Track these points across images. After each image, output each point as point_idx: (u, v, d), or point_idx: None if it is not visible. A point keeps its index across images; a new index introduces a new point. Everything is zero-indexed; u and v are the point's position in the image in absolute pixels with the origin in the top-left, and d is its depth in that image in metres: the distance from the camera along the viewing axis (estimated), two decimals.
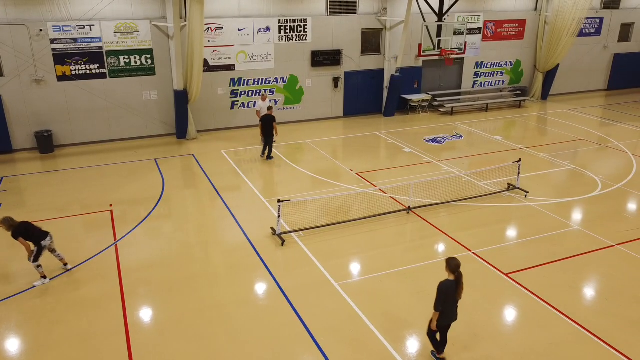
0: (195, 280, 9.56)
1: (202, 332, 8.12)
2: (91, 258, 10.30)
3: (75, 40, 16.52)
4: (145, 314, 8.57)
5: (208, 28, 17.97)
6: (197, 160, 16.16)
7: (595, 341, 7.87)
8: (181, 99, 17.55)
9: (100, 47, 16.89)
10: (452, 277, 6.89)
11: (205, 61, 18.13)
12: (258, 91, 19.61)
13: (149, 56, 17.60)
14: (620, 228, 11.53)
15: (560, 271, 9.82)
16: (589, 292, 9.26)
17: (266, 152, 16.18)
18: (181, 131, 18.23)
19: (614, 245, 10.77)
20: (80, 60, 16.79)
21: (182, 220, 12.15)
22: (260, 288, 9.35)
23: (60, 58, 16.52)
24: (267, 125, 15.69)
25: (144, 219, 12.03)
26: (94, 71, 17.04)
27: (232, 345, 7.80)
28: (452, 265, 6.87)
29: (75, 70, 16.79)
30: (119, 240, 11.04)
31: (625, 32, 26.39)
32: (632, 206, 12.86)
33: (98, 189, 13.83)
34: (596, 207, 12.74)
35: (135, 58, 17.44)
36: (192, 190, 14.11)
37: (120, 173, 15.05)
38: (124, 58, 17.29)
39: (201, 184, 14.33)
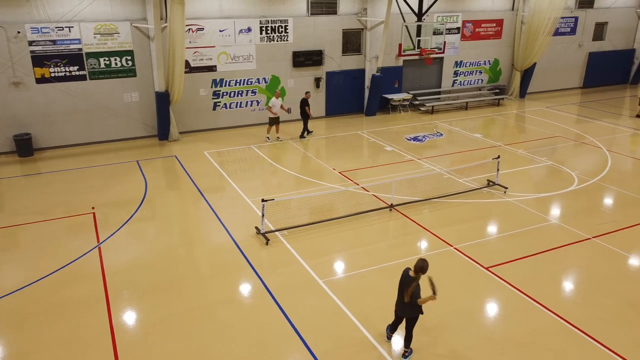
0: (180, 281, 9.58)
1: (188, 332, 8.15)
2: (74, 261, 10.23)
3: (54, 42, 16.34)
4: (131, 316, 8.57)
5: (189, 29, 17.93)
6: (179, 162, 16.13)
7: (574, 331, 8.11)
8: (163, 100, 17.48)
9: (80, 49, 16.74)
10: (412, 274, 7.09)
11: (187, 62, 18.09)
12: (240, 92, 19.63)
13: (129, 58, 17.49)
14: (596, 221, 11.86)
15: (539, 264, 10.07)
16: (567, 284, 9.52)
17: (305, 132, 18.66)
18: (163, 133, 18.15)
19: (590, 238, 11.07)
20: (60, 62, 16.61)
21: (166, 221, 12.14)
22: (246, 287, 9.41)
23: (39, 60, 16.32)
24: (302, 108, 18.27)
25: (127, 221, 11.99)
26: (73, 73, 16.88)
27: (218, 345, 7.85)
28: (417, 264, 7.03)
29: (54, 72, 16.61)
30: (102, 242, 10.99)
31: (599, 31, 27.02)
32: (607, 200, 13.23)
33: (80, 192, 13.72)
34: (573, 201, 13.07)
35: (115, 60, 17.31)
36: (175, 191, 14.09)
37: (102, 175, 14.94)
38: (104, 60, 17.16)
39: (184, 185, 14.32)
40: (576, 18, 25.88)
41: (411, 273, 7.16)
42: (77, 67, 16.88)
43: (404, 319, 7.51)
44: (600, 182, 14.32)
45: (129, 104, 17.99)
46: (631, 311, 8.63)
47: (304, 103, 18.33)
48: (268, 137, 18.24)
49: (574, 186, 14.03)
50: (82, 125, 17.53)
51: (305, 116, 18.45)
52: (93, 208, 12.67)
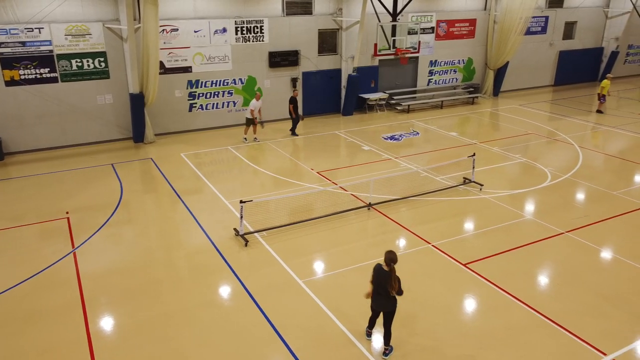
0: (158, 285, 9.47)
1: (167, 337, 8.06)
2: (48, 267, 10.02)
3: (23, 43, 15.96)
4: (108, 322, 8.43)
5: (163, 30, 17.72)
6: (155, 164, 15.93)
7: (550, 324, 8.29)
8: (137, 102, 17.24)
9: (51, 51, 16.38)
10: (385, 268, 7.24)
11: (161, 63, 17.88)
12: (216, 93, 19.49)
13: (102, 59, 17.20)
14: (569, 216, 12.14)
15: (515, 259, 10.26)
16: (542, 278, 9.72)
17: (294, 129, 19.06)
18: (138, 135, 17.91)
19: (563, 233, 11.33)
20: (30, 65, 16.23)
21: (143, 225, 11.98)
22: (225, 290, 9.35)
23: (7, 62, 15.92)
24: (296, 106, 18.65)
25: (103, 225, 11.79)
26: (44, 75, 16.51)
27: (199, 349, 7.79)
28: (386, 257, 7.22)
29: (24, 74, 16.22)
30: (77, 247, 10.78)
31: (568, 30, 27.65)
32: (579, 195, 13.55)
33: (53, 197, 13.44)
34: (547, 197, 13.35)
35: (88, 61, 17.00)
36: (151, 194, 13.91)
37: (76, 179, 14.66)
38: (76, 61, 16.84)
39: (161, 187, 14.15)
40: (547, 17, 26.43)
41: (385, 268, 7.25)
42: (48, 69, 16.53)
43: (381, 314, 7.59)
44: (573, 177, 14.66)
45: (102, 106, 17.69)
46: (603, 303, 8.86)
47: (292, 101, 18.54)
48: (245, 138, 18.17)
49: (548, 182, 14.33)
50: (54, 129, 17.17)
51: (296, 113, 18.73)
52: (67, 213, 12.43)
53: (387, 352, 7.61)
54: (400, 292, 7.32)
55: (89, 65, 17.06)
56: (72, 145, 17.59)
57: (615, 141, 18.35)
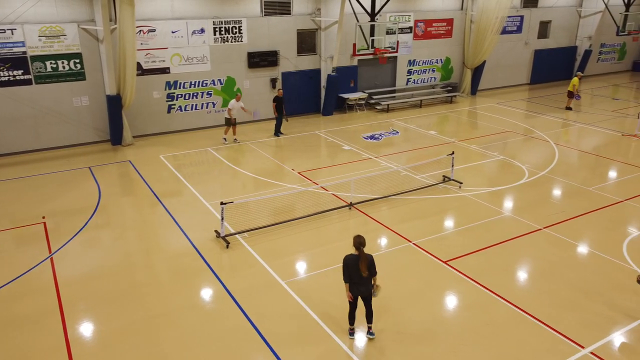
0: (139, 289, 9.35)
1: (149, 341, 7.97)
2: (24, 273, 9.82)
3: None
4: (87, 328, 8.30)
5: (140, 30, 17.50)
6: (134, 167, 15.73)
7: (529, 319, 8.43)
8: (114, 104, 17.00)
9: (24, 52, 16.05)
10: (356, 253, 7.44)
11: (139, 64, 17.66)
12: (195, 94, 19.34)
13: (77, 61, 16.91)
14: (546, 212, 12.36)
15: (494, 256, 10.41)
16: (521, 273, 9.88)
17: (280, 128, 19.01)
18: (116, 137, 17.66)
19: (541, 229, 11.53)
20: (2, 67, 15.87)
21: (122, 228, 11.82)
22: (207, 292, 9.28)
23: None
24: (280, 105, 18.49)
25: (81, 230, 11.60)
26: (17, 77, 16.16)
27: (181, 353, 7.72)
28: (355, 241, 7.44)
29: None
30: (54, 253, 10.59)
31: (543, 29, 28.15)
32: (556, 192, 13.80)
33: (28, 201, 13.17)
34: (524, 194, 13.57)
35: (63, 63, 16.70)
36: (130, 197, 13.74)
37: (52, 183, 14.39)
38: (51, 63, 16.52)
39: (140, 190, 13.97)
40: (522, 17, 26.86)
41: (355, 253, 7.46)
42: (22, 71, 16.18)
43: (360, 301, 7.76)
44: (549, 174, 14.93)
45: (78, 108, 17.40)
46: (580, 296, 9.04)
47: (275, 100, 18.47)
48: (225, 139, 18.07)
49: (525, 179, 14.57)
50: (29, 132, 16.82)
51: (279, 113, 18.62)
52: (43, 217, 12.19)
53: (371, 330, 7.91)
54: (374, 272, 7.52)
55: (64, 67, 16.76)
56: (47, 148, 17.26)
57: (590, 138, 18.75)
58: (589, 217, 12.15)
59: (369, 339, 7.88)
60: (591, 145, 17.86)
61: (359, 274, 7.41)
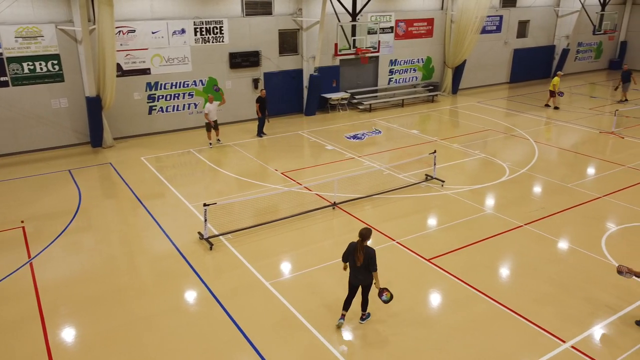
0: (121, 293, 9.25)
1: (132, 345, 7.89)
2: (3, 279, 9.63)
3: None
4: (69, 334, 8.18)
5: (119, 31, 17.30)
6: (115, 169, 15.54)
7: (511, 315, 8.55)
8: (94, 105, 16.77)
9: (0, 54, 15.75)
10: (358, 242, 7.79)
11: (119, 65, 17.45)
12: (177, 95, 19.18)
13: (55, 62, 16.64)
14: (527, 209, 12.54)
15: (477, 253, 10.53)
16: (503, 270, 10.01)
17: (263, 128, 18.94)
18: (96, 139, 17.42)
19: (522, 226, 11.69)
20: None
21: (104, 231, 11.67)
22: (191, 295, 9.22)
23: None
24: (263, 106, 18.33)
25: (61, 234, 11.43)
26: None
27: (165, 356, 7.65)
28: (359, 232, 7.81)
29: None
30: (33, 257, 10.41)
31: (522, 28, 28.54)
32: (536, 189, 14.01)
33: (6, 206, 12.92)
34: (505, 191, 13.75)
35: (40, 64, 16.42)
36: (112, 200, 13.57)
37: (31, 187, 14.14)
38: (28, 65, 16.23)
39: (121, 193, 13.82)
40: (501, 17, 27.19)
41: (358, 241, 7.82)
42: None
43: (359, 289, 8.07)
44: (529, 171, 15.15)
45: (57, 110, 17.13)
46: (560, 291, 9.20)
47: (258, 100, 18.30)
48: (210, 143, 17.69)
49: (506, 177, 14.76)
50: (6, 135, 16.50)
51: (262, 113, 18.47)
52: (22, 222, 11.98)
53: (363, 317, 8.28)
54: (372, 267, 7.76)
55: (41, 69, 16.48)
56: (25, 151, 16.95)
57: (568, 136, 19.07)
58: (568, 214, 12.36)
59: (360, 323, 8.28)
60: (570, 142, 18.16)
61: (355, 261, 7.79)
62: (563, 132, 19.52)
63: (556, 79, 22.58)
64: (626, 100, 23.89)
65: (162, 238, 11.24)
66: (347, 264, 8.04)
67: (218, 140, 17.99)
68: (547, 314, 8.56)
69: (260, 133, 18.92)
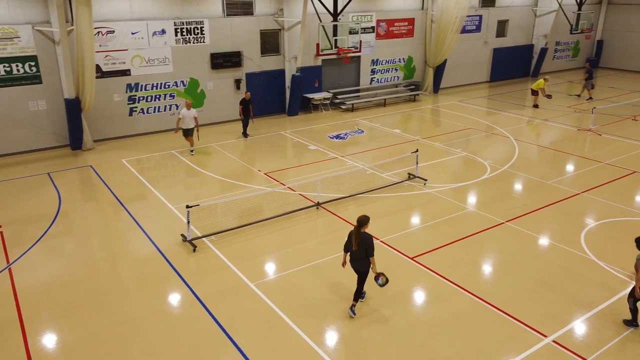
0: (104, 297, 9.13)
1: (115, 350, 7.79)
2: None
3: None
4: (50, 339, 8.05)
5: (98, 32, 17.07)
6: (96, 172, 15.33)
7: (494, 311, 8.66)
8: (73, 107, 16.52)
9: None
10: (356, 229, 8.12)
11: (98, 67, 17.21)
12: (157, 96, 18.99)
13: (33, 63, 16.35)
14: (508, 206, 12.70)
15: (459, 250, 10.63)
16: (485, 267, 10.13)
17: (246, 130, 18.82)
18: (76, 142, 17.17)
19: (503, 223, 11.85)
20: None
21: (85, 235, 11.51)
22: (175, 298, 9.15)
23: None
24: (247, 108, 18.23)
25: (40, 238, 11.24)
26: None
27: None
28: (357, 219, 8.13)
29: None
30: (12, 263, 10.22)
31: (501, 28, 28.90)
32: (517, 186, 14.20)
33: None
34: (487, 189, 13.91)
35: (17, 66, 16.12)
36: (92, 203, 13.39)
37: (9, 191, 13.88)
38: (4, 66, 15.92)
39: (102, 196, 13.64)
40: (480, 16, 27.50)
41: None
42: None
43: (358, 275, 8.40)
44: (510, 169, 15.35)
45: (35, 112, 16.83)
46: (541, 287, 9.34)
47: (241, 103, 18.17)
48: (192, 150, 16.97)
49: (487, 174, 14.93)
50: None
51: (245, 115, 18.34)
52: (0, 226, 11.75)
53: (353, 306, 8.45)
54: (369, 252, 8.07)
55: (18, 70, 16.18)
56: (3, 155, 16.62)
57: (548, 133, 19.37)
58: (548, 210, 12.56)
59: (350, 315, 8.45)
60: (549, 140, 18.45)
61: (352, 247, 8.15)
62: (542, 130, 19.82)
63: (542, 82, 22.80)
64: (591, 98, 24.49)
65: (144, 241, 11.13)
66: (347, 255, 8.39)
67: (191, 151, 16.95)
68: (528, 309, 8.69)
69: (245, 134, 18.80)
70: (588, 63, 25.75)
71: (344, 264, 8.58)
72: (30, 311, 8.70)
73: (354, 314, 8.42)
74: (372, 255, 8.11)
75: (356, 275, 8.44)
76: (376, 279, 8.25)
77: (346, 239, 8.39)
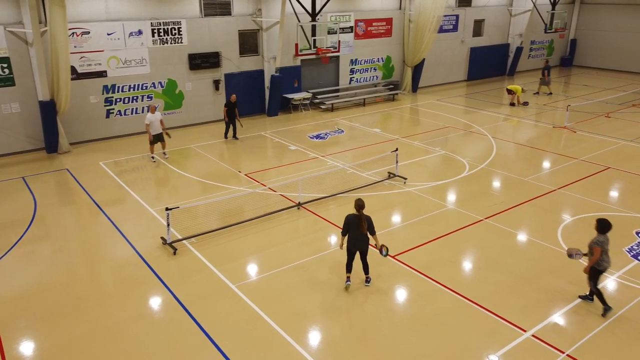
0: (83, 303, 8.98)
1: (95, 355, 7.67)
2: None
3: None
4: (27, 347, 7.89)
5: (73, 33, 16.78)
6: (72, 175, 15.07)
7: (474, 307, 8.77)
8: (48, 110, 16.21)
9: None
10: (357, 213, 8.83)
11: (73, 68, 16.92)
12: (135, 97, 18.75)
13: (5, 65, 15.99)
14: (486, 203, 12.88)
15: (440, 248, 10.74)
16: (465, 264, 10.26)
17: (229, 133, 18.57)
18: (51, 145, 16.84)
19: (482, 220, 12.01)
20: None
21: (62, 240, 11.30)
22: (155, 301, 9.05)
23: None
24: (232, 110, 18.07)
25: (15, 244, 11.00)
26: None
27: None
28: (355, 205, 8.90)
29: None
30: None
31: (477, 27, 29.27)
32: (495, 183, 14.41)
33: None
34: (466, 186, 14.08)
35: None
36: (69, 207, 13.15)
37: None
38: None
39: (79, 199, 13.41)
40: (457, 16, 27.81)
41: (356, 214, 8.83)
42: None
43: (357, 254, 9.18)
44: (488, 167, 15.56)
45: (8, 115, 16.46)
46: (520, 282, 9.50)
47: (227, 105, 18.01)
48: (152, 157, 16.24)
49: (466, 172, 15.11)
50: None
51: (232, 118, 18.10)
52: None
53: (368, 279, 9.34)
54: (372, 231, 8.90)
55: None
56: None
57: (524, 131, 19.68)
58: (526, 207, 12.77)
59: (366, 286, 9.29)
60: (525, 137, 18.75)
61: (360, 231, 8.83)
62: (519, 128, 20.14)
63: (518, 88, 23.25)
64: (550, 93, 25.59)
65: (123, 244, 10.98)
66: (345, 238, 9.09)
67: (164, 153, 16.42)
68: (508, 304, 8.82)
69: (226, 135, 18.62)
70: (546, 60, 26.51)
71: (341, 246, 9.24)
72: (6, 319, 8.51)
73: (369, 282, 9.38)
74: (374, 233, 8.94)
75: (344, 263, 9.35)
76: (381, 251, 9.06)
77: (344, 225, 8.97)
